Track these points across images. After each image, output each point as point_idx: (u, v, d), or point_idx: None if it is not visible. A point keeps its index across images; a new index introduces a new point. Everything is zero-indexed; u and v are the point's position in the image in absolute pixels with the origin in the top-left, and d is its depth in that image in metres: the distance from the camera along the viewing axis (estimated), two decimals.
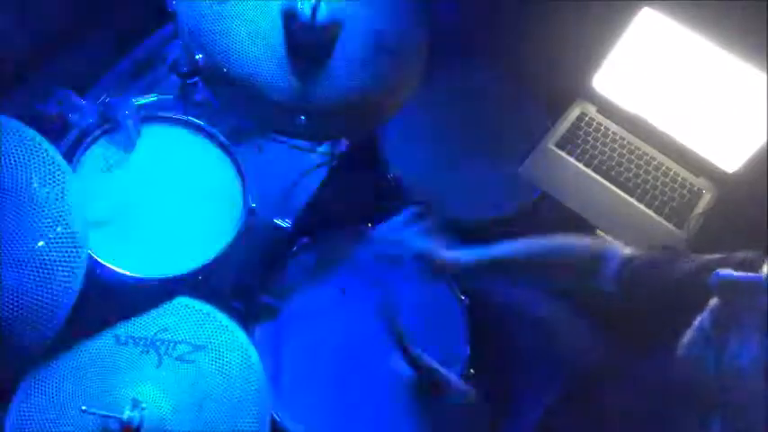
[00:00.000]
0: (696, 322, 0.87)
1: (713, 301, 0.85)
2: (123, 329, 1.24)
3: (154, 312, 1.27)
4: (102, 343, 1.22)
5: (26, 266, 1.05)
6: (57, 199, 1.10)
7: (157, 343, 1.23)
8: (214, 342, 1.25)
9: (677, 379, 0.90)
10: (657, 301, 1.01)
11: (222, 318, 1.29)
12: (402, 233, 1.30)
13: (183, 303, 1.28)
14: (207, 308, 1.29)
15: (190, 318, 1.27)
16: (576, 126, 1.69)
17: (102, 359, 1.21)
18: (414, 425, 1.40)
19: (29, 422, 1.14)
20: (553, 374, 1.30)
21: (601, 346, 1.21)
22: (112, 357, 1.21)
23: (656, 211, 1.59)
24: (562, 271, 1.15)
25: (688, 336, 0.87)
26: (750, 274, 0.81)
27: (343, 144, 1.78)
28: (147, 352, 1.22)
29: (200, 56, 1.27)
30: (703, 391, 0.83)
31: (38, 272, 1.06)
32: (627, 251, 1.10)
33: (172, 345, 1.23)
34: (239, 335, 1.28)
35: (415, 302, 1.52)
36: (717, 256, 0.98)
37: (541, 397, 1.28)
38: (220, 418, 1.19)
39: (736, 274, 0.81)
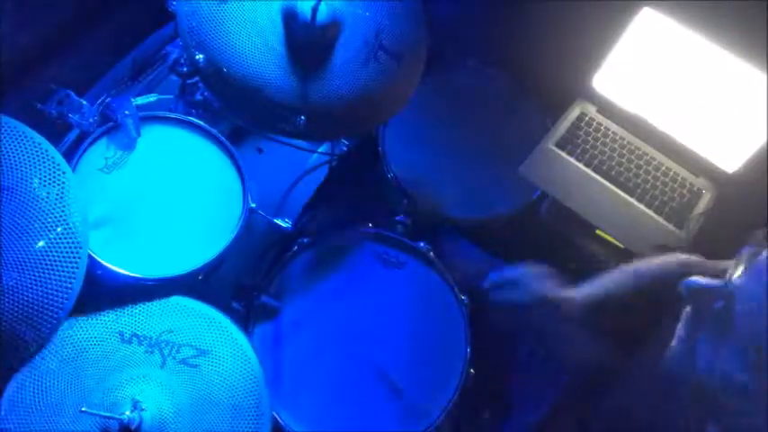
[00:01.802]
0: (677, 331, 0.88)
1: (686, 310, 0.86)
2: (128, 327, 1.24)
3: (159, 313, 1.26)
4: (106, 339, 1.22)
5: (26, 266, 1.05)
6: (57, 199, 1.10)
7: (162, 344, 1.23)
8: (218, 348, 1.25)
9: (669, 383, 0.91)
10: None
11: (227, 323, 1.28)
12: (517, 276, 1.28)
13: (189, 306, 1.28)
14: (213, 312, 1.29)
15: (195, 321, 1.27)
16: (576, 126, 1.69)
17: (105, 356, 1.20)
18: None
19: (24, 419, 1.14)
20: (553, 376, 1.30)
21: (600, 349, 1.21)
22: (116, 354, 1.21)
23: (656, 211, 1.59)
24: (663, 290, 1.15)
25: (672, 343, 0.88)
26: (715, 281, 0.84)
27: (343, 144, 1.78)
28: (152, 352, 1.22)
29: (201, 56, 1.27)
30: (695, 396, 0.83)
31: (38, 272, 1.06)
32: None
33: (176, 347, 1.23)
34: (243, 342, 1.28)
35: (415, 302, 1.52)
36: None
37: (542, 398, 1.28)
38: (220, 423, 1.19)
39: (702, 280, 0.85)
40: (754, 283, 0.79)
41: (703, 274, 0.98)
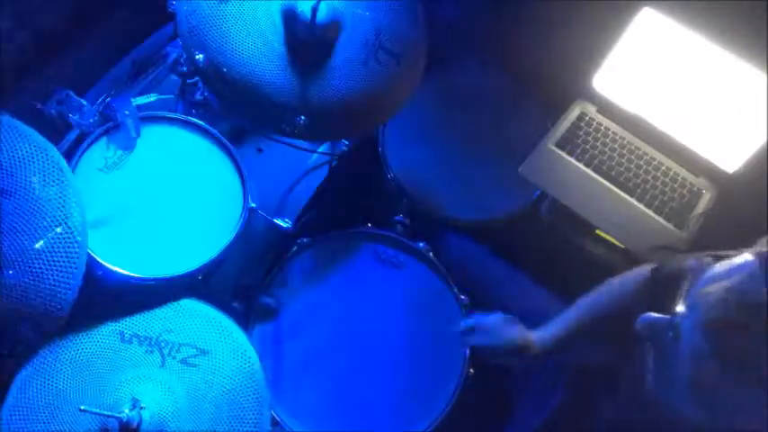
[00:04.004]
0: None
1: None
2: (128, 327, 1.24)
3: (159, 313, 1.27)
4: (106, 339, 1.22)
5: (26, 266, 1.05)
6: (57, 199, 1.10)
7: (162, 343, 1.23)
8: (218, 348, 1.25)
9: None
10: None
11: (228, 323, 1.28)
12: (489, 323, 1.34)
13: (189, 306, 1.28)
14: (213, 312, 1.29)
15: (195, 321, 1.27)
16: (576, 126, 1.69)
17: (105, 355, 1.20)
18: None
19: (25, 418, 1.14)
20: (554, 380, 1.30)
21: (601, 353, 1.21)
22: (116, 354, 1.21)
23: (656, 211, 1.59)
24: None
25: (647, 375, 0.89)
26: (660, 315, 0.84)
27: (343, 144, 1.78)
28: (152, 352, 1.22)
29: (201, 56, 1.27)
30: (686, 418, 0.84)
31: (38, 272, 1.06)
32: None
33: (176, 346, 1.23)
34: (243, 342, 1.28)
35: (415, 302, 1.52)
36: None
37: (542, 402, 1.28)
38: (220, 423, 1.19)
39: (653, 315, 0.85)
40: (691, 319, 0.79)
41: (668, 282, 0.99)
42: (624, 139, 1.68)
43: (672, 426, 0.92)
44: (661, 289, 1.00)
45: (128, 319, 1.24)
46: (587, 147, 1.66)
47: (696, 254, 1.01)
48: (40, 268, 1.06)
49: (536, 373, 1.37)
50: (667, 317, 0.83)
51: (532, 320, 1.31)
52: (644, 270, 1.17)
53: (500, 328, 1.31)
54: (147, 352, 1.22)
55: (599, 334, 1.22)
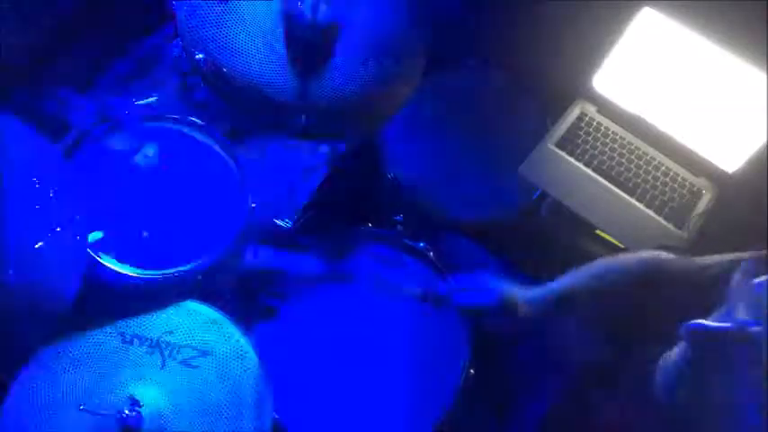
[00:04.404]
0: (672, 354, 0.86)
1: (680, 345, 0.84)
2: (129, 328, 1.24)
3: (160, 314, 1.27)
4: (108, 340, 1.23)
5: (26, 266, 1.05)
6: (57, 199, 1.10)
7: (163, 345, 1.23)
8: (219, 349, 1.25)
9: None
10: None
11: (227, 324, 1.28)
12: (477, 281, 1.34)
13: (190, 307, 1.28)
14: (213, 314, 1.29)
15: (196, 323, 1.27)
16: (576, 126, 1.69)
17: (107, 356, 1.21)
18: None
19: (25, 418, 1.14)
20: (554, 378, 1.30)
21: (600, 350, 1.21)
22: (117, 355, 1.21)
23: (656, 211, 1.59)
24: (621, 289, 1.16)
25: (663, 371, 0.87)
26: (722, 324, 0.78)
27: (344, 144, 1.78)
28: (152, 353, 1.22)
29: (201, 56, 1.27)
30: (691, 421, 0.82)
31: (38, 272, 1.06)
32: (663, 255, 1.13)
33: (177, 348, 1.23)
34: (243, 343, 1.28)
35: (414, 303, 1.52)
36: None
37: (542, 400, 1.28)
38: (220, 424, 1.19)
39: (708, 323, 0.78)
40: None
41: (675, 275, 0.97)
42: (624, 139, 1.68)
43: (671, 426, 0.92)
44: (687, 289, 0.99)
45: (129, 320, 1.24)
46: (587, 147, 1.66)
47: (723, 255, 1.00)
48: (40, 268, 1.06)
49: (536, 372, 1.37)
50: (729, 325, 0.76)
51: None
52: (648, 256, 1.16)
53: (485, 285, 1.31)
54: (147, 353, 1.22)
55: (587, 320, 1.21)
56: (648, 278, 1.11)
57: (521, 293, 1.27)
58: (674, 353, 0.85)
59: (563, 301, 1.22)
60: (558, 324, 1.27)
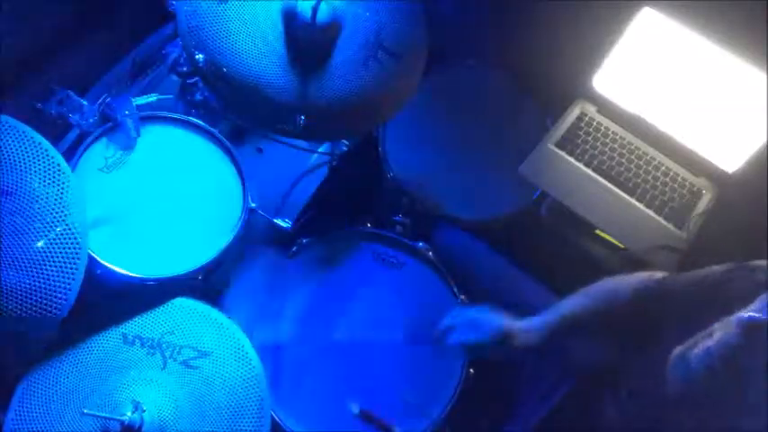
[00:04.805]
0: (701, 349, 0.87)
1: (721, 335, 0.86)
2: (131, 329, 1.24)
3: (161, 314, 1.26)
4: (110, 341, 1.22)
5: (26, 266, 1.05)
6: (57, 199, 1.10)
7: (164, 345, 1.23)
8: (219, 350, 1.25)
9: (673, 397, 0.91)
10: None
11: (228, 324, 1.28)
12: (472, 316, 1.30)
13: (191, 308, 1.28)
14: (214, 314, 1.28)
15: (196, 323, 1.27)
16: (576, 126, 1.69)
17: (108, 357, 1.21)
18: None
19: (29, 421, 1.14)
20: (557, 380, 1.30)
21: (605, 353, 1.21)
22: (118, 356, 1.21)
23: (656, 211, 1.59)
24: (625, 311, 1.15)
25: (694, 360, 0.88)
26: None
27: (343, 144, 1.78)
28: (153, 354, 1.22)
29: (201, 56, 1.27)
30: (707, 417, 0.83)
31: (38, 272, 1.06)
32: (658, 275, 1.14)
33: (177, 348, 1.23)
34: (244, 343, 1.27)
35: (415, 303, 1.52)
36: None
37: (543, 400, 1.28)
38: (221, 425, 1.19)
39: (757, 316, 0.83)
40: None
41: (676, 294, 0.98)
42: (624, 139, 1.68)
43: (676, 426, 0.92)
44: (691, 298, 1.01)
45: (130, 321, 1.24)
46: (587, 147, 1.66)
47: (713, 267, 1.02)
48: (40, 268, 1.06)
49: (538, 371, 1.37)
50: None
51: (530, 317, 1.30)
52: (645, 277, 1.16)
53: (482, 319, 1.27)
54: (148, 354, 1.22)
55: (590, 330, 1.21)
56: (649, 304, 1.11)
57: (518, 325, 1.24)
58: (701, 346, 0.87)
59: (567, 328, 1.21)
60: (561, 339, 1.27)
